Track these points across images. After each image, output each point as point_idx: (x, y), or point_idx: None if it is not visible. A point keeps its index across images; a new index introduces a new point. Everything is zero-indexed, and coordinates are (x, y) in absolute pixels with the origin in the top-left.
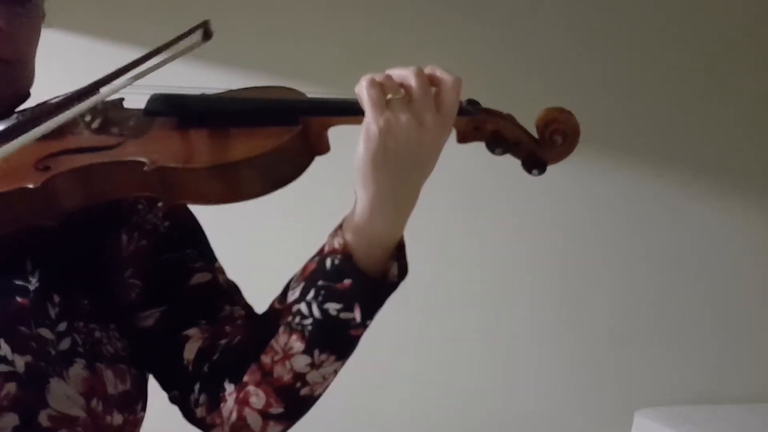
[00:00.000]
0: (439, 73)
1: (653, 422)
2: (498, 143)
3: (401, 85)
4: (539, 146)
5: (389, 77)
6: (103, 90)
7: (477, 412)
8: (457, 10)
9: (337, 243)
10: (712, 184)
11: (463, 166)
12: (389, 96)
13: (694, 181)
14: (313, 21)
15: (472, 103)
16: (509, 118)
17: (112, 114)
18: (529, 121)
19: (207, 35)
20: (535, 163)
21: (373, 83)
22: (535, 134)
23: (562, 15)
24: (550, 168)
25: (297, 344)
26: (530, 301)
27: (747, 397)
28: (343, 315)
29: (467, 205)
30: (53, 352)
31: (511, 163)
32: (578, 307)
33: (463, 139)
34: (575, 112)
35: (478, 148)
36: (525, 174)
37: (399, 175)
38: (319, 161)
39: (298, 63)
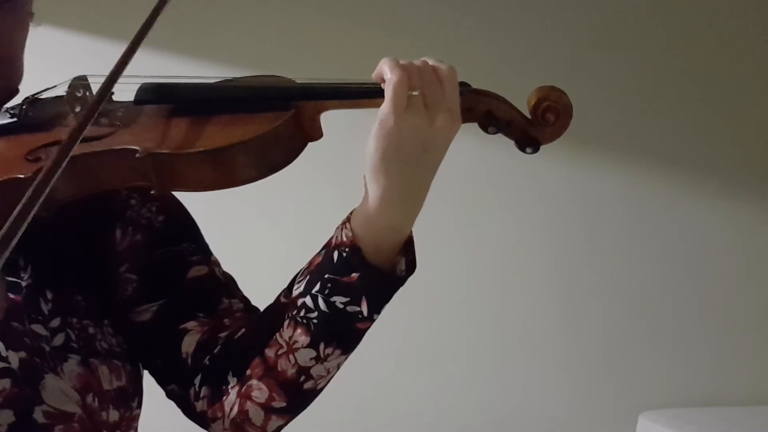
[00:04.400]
0: (437, 65)
1: (657, 424)
2: (491, 123)
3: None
4: (532, 125)
5: (416, 71)
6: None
7: (477, 414)
8: (455, 6)
9: (345, 236)
10: (715, 184)
11: (459, 164)
12: (410, 93)
13: (697, 181)
14: (305, 16)
15: (462, 84)
16: (501, 98)
17: (102, 105)
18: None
19: None
20: (528, 142)
21: (403, 77)
22: (527, 114)
23: (559, 12)
24: (552, 167)
25: (302, 338)
26: (531, 302)
27: (751, 399)
28: (349, 308)
29: (465, 204)
30: (47, 348)
31: (507, 162)
32: (582, 309)
33: None
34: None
35: (473, 145)
36: (523, 173)
37: (411, 169)
38: (314, 154)
39: (290, 58)
